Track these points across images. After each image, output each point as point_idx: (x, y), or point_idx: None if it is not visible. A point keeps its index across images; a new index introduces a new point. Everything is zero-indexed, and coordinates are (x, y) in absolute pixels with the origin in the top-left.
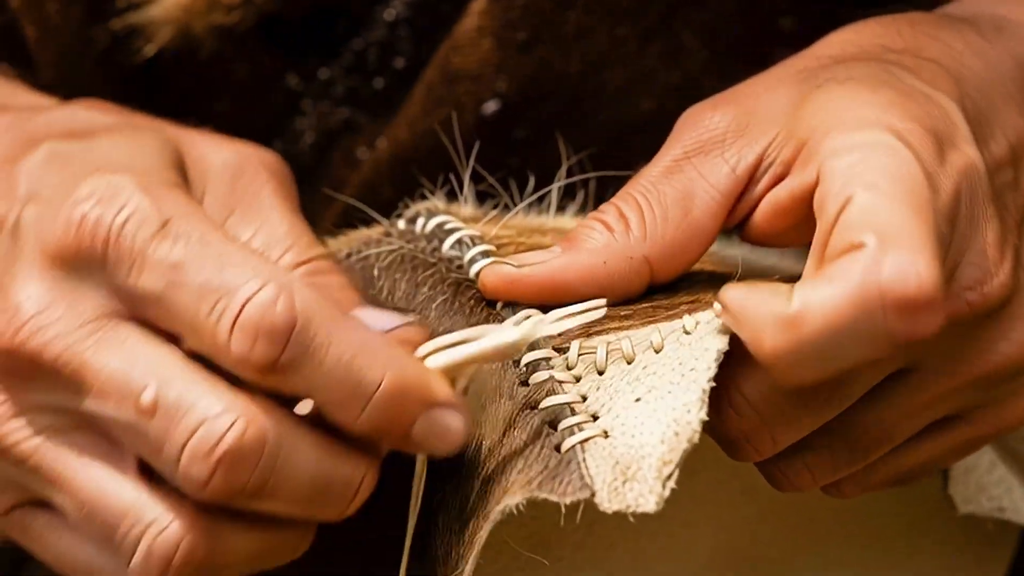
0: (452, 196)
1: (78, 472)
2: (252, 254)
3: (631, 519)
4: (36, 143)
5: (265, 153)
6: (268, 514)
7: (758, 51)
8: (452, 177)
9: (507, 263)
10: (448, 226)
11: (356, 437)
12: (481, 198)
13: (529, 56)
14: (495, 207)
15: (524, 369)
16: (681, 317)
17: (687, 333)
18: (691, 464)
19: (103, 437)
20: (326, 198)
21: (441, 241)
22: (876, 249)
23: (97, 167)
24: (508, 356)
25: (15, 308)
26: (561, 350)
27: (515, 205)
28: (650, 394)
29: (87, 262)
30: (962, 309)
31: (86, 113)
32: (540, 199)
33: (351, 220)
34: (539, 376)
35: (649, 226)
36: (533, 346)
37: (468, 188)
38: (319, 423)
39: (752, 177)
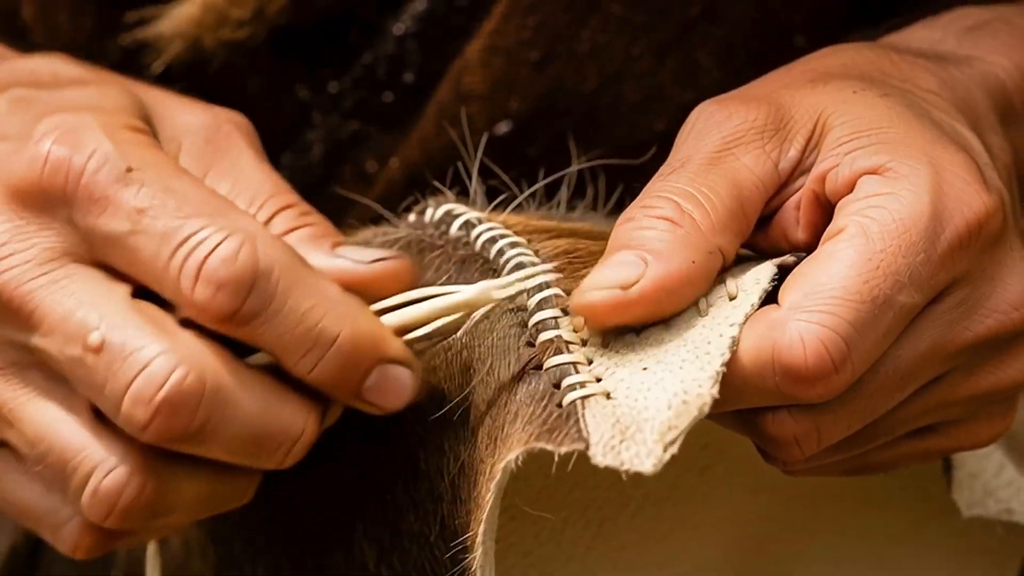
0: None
1: (30, 409)
2: (218, 202)
3: (640, 521)
4: (12, 84)
5: (233, 113)
6: (211, 460)
7: (771, 69)
8: (465, 192)
9: (602, 288)
10: (456, 212)
11: (306, 387)
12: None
13: (542, 75)
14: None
15: (532, 329)
16: None
17: (700, 314)
18: (700, 462)
19: (56, 377)
20: (337, 208)
21: (448, 225)
22: (786, 310)
23: (61, 109)
24: (459, 312)
25: None
26: (568, 312)
27: (527, 210)
28: (659, 365)
29: (50, 200)
30: (1006, 327)
31: (51, 64)
32: (550, 200)
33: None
34: (546, 335)
35: (714, 217)
36: (542, 306)
37: (478, 191)
38: (267, 371)
39: (791, 175)
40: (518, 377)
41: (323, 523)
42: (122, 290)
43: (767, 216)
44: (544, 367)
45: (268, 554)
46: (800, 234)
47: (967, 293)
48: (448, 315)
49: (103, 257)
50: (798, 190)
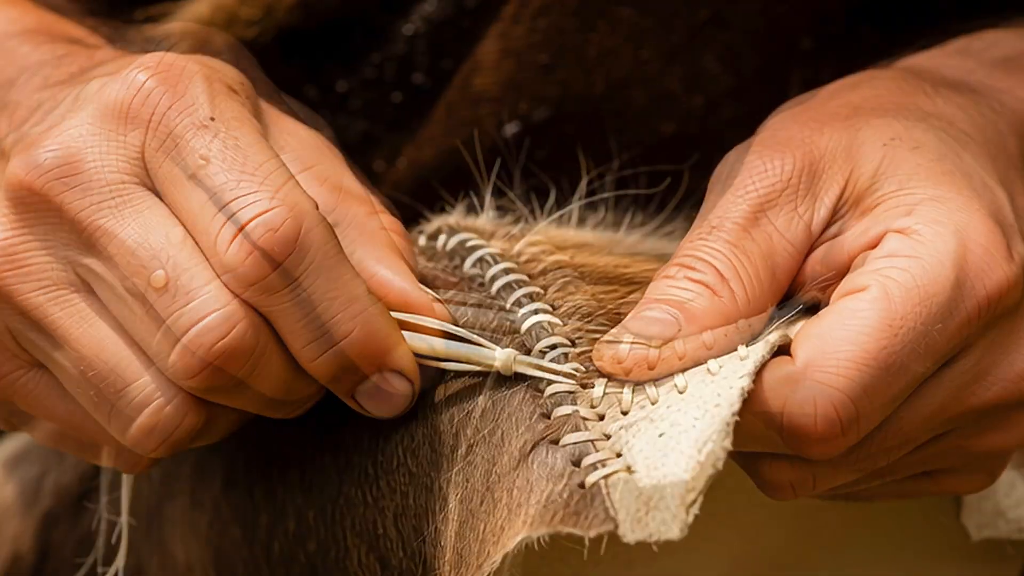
0: (472, 211)
1: (81, 330)
2: (281, 172)
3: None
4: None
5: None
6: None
7: (779, 73)
8: (473, 195)
9: (632, 343)
10: (470, 243)
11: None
12: (502, 215)
13: (551, 78)
14: (515, 222)
15: (547, 400)
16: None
17: (711, 374)
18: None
19: (109, 301)
20: None
21: (463, 259)
22: (799, 368)
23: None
24: (478, 367)
25: (44, 152)
26: (585, 386)
27: (535, 219)
28: (673, 429)
29: (131, 122)
30: (1012, 396)
31: None
32: (559, 201)
33: None
34: (562, 411)
35: (748, 291)
36: (554, 380)
37: (488, 202)
38: None
39: (821, 232)
40: (532, 449)
41: (321, 545)
42: (182, 230)
43: None
44: (561, 443)
45: (268, 574)
46: (821, 293)
47: (976, 360)
48: (468, 364)
49: (161, 192)
50: (826, 241)
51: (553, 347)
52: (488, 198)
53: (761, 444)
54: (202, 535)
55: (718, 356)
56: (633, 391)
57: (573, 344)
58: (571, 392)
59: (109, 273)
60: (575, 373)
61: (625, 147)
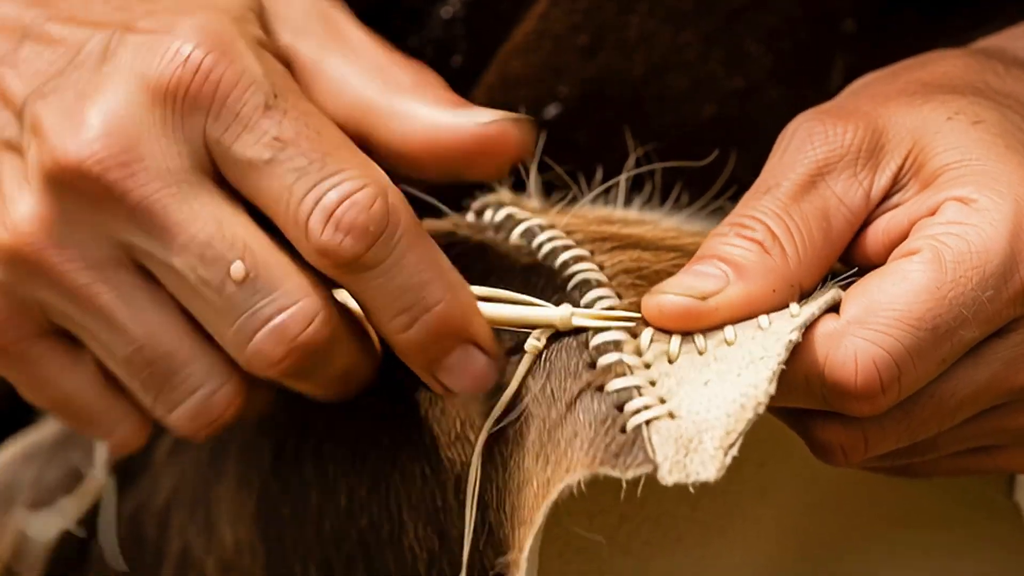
0: (518, 189)
1: (131, 310)
2: (354, 149)
3: (700, 514)
4: None
5: None
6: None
7: (820, 56)
8: (520, 175)
9: (679, 293)
10: (517, 216)
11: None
12: (550, 199)
13: (591, 60)
14: (561, 201)
15: (593, 350)
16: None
17: (761, 329)
18: (758, 457)
19: (156, 279)
20: None
21: (510, 231)
22: (843, 324)
23: (195, 8)
24: (538, 327)
25: (100, 135)
26: (633, 334)
27: (580, 198)
28: (718, 378)
29: (191, 107)
30: None
31: None
32: (606, 192)
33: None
34: (608, 359)
35: (801, 251)
36: (602, 329)
37: (534, 180)
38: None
39: (883, 200)
40: (578, 397)
41: (373, 522)
42: (249, 219)
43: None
44: (606, 390)
45: (319, 552)
46: (881, 260)
47: None
48: (527, 326)
49: (230, 179)
50: (887, 211)
51: (600, 299)
52: (533, 177)
53: (807, 400)
54: (250, 514)
55: (770, 310)
56: (681, 341)
57: (620, 298)
58: (618, 341)
59: (179, 260)
60: (630, 318)
61: (665, 130)
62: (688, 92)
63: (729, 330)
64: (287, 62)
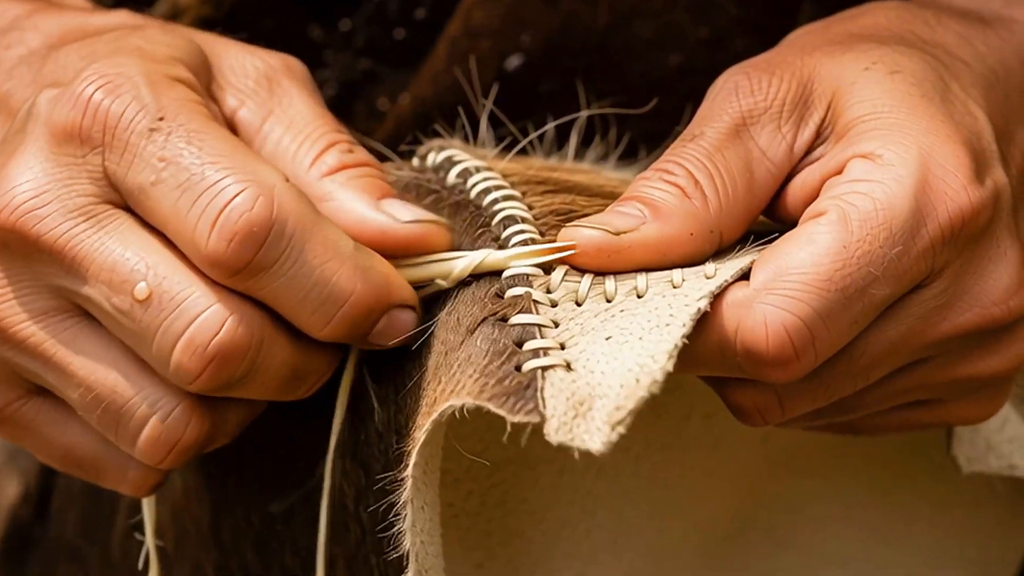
0: (469, 141)
1: (77, 355)
2: (242, 153)
3: (645, 467)
4: (81, 38)
5: (288, 58)
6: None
7: (786, 5)
8: (474, 129)
9: (594, 227)
10: (455, 158)
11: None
12: (503, 152)
13: (555, 9)
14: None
15: (504, 282)
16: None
17: (673, 286)
18: (704, 408)
19: (99, 321)
20: None
21: (447, 172)
22: (754, 289)
23: (112, 54)
24: (459, 273)
25: (12, 189)
26: (547, 270)
27: (535, 152)
28: (621, 334)
29: (87, 145)
30: (987, 321)
31: (119, 18)
32: (560, 148)
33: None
34: (516, 291)
35: (722, 199)
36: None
37: (486, 133)
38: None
39: (806, 153)
40: (480, 324)
41: (304, 460)
42: (157, 240)
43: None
44: (509, 322)
45: (259, 495)
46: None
47: (946, 286)
48: (445, 276)
49: (132, 206)
50: (807, 166)
51: (520, 232)
52: (484, 127)
53: (725, 369)
54: (197, 462)
55: (684, 258)
56: (591, 283)
57: (543, 236)
58: (528, 275)
59: (96, 294)
60: (542, 251)
61: (631, 79)
62: (654, 41)
63: (641, 279)
64: (231, 124)
